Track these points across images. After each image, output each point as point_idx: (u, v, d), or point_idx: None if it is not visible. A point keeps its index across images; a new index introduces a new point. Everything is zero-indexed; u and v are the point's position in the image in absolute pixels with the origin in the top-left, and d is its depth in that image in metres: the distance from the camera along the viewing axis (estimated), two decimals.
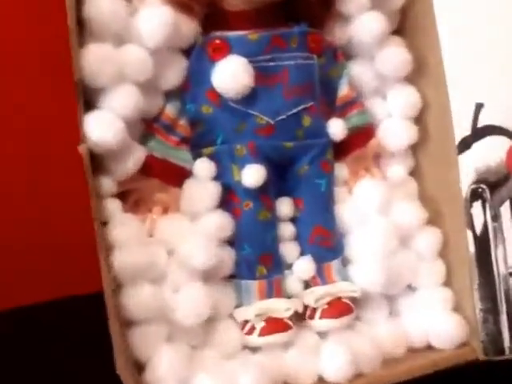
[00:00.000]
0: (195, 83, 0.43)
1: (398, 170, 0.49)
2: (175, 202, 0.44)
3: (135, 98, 0.41)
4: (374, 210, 0.46)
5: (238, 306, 0.45)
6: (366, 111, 0.49)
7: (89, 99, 0.40)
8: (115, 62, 0.40)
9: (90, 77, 0.39)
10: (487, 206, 0.46)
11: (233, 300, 0.44)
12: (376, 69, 0.48)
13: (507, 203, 0.46)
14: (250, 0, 0.43)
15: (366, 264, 0.46)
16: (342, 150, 0.48)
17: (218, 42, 0.43)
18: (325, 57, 0.46)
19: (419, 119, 0.49)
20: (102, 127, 0.39)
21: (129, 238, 0.41)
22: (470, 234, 0.46)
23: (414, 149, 0.50)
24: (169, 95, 0.44)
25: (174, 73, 0.43)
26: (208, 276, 0.43)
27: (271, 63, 0.44)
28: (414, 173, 0.50)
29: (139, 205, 0.44)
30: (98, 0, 0.40)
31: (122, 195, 0.43)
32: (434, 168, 0.49)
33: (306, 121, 0.45)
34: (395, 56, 0.47)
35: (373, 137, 0.49)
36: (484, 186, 0.46)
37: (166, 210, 0.45)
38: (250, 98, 0.43)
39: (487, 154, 0.46)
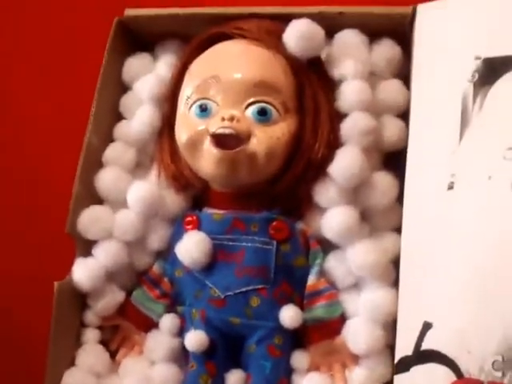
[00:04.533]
0: (174, 249, 0.50)
1: (358, 373, 0.46)
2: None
3: (119, 253, 0.50)
4: None
5: None
6: (336, 304, 0.47)
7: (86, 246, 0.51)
8: (107, 221, 0.51)
9: (82, 231, 0.51)
10: None
11: None
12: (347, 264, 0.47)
13: None
14: (226, 185, 0.49)
15: None
16: (307, 337, 0.48)
17: (191, 217, 0.50)
18: (290, 244, 0.48)
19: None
20: (83, 272, 0.50)
21: (87, 364, 0.50)
22: None
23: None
24: (159, 255, 0.52)
25: (159, 237, 0.51)
26: None
27: (231, 242, 0.48)
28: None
29: (124, 341, 0.52)
30: (103, 172, 0.51)
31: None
32: None
33: (254, 301, 0.47)
34: (364, 255, 0.46)
35: (339, 332, 0.47)
36: None
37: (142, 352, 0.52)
38: (209, 269, 0.48)
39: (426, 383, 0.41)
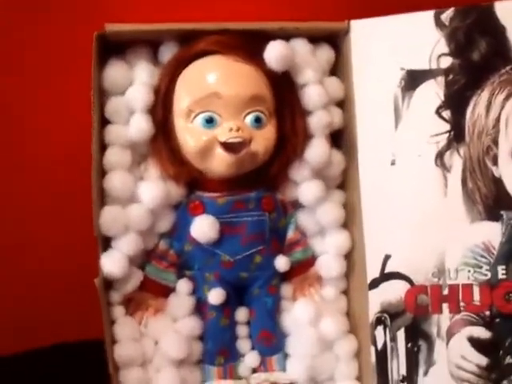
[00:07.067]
0: (180, 229, 0.62)
1: (329, 291, 0.66)
2: (162, 307, 0.63)
3: (136, 243, 0.60)
4: (305, 322, 0.64)
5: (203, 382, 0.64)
6: (309, 248, 0.66)
7: (107, 242, 0.60)
8: (122, 218, 0.59)
9: (104, 230, 0.59)
10: (387, 330, 0.63)
11: (199, 378, 0.63)
12: (316, 219, 0.65)
13: (402, 329, 0.63)
14: (227, 173, 0.60)
15: (296, 362, 0.64)
16: (289, 274, 0.66)
17: (195, 203, 0.62)
18: (276, 213, 0.64)
19: (349, 255, 0.66)
20: (111, 264, 0.59)
21: (126, 335, 0.61)
22: (373, 348, 0.63)
23: (347, 275, 0.67)
24: (163, 235, 0.63)
25: (165, 222, 0.62)
26: (181, 361, 0.62)
27: (234, 219, 0.62)
28: (347, 292, 0.67)
29: (138, 307, 0.64)
30: (111, 174, 0.59)
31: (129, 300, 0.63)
32: (358, 293, 0.66)
33: (257, 259, 0.63)
34: (331, 212, 0.64)
35: (312, 266, 0.66)
36: (386, 315, 0.63)
37: (156, 312, 0.64)
38: (218, 242, 0.61)
39: (390, 293, 0.63)
